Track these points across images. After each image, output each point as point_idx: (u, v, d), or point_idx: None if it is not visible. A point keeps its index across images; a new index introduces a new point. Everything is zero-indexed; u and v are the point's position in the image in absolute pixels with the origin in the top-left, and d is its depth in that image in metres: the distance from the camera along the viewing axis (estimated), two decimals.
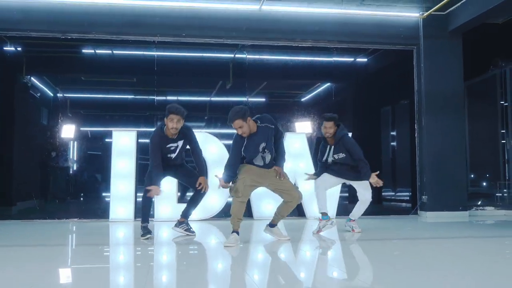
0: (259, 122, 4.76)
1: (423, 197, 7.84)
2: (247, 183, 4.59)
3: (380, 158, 8.66)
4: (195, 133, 5.38)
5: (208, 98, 8.51)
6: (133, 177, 7.10)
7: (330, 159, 5.57)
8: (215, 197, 7.11)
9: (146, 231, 5.21)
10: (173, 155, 5.21)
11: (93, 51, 7.99)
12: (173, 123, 4.96)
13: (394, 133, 9.05)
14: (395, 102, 8.82)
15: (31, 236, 5.61)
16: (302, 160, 7.40)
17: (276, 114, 8.12)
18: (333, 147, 5.53)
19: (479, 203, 8.72)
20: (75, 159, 7.88)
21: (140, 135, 7.40)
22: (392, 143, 9.15)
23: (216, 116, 8.33)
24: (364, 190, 5.57)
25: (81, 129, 7.87)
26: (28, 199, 7.58)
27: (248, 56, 8.02)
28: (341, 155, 5.49)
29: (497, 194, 8.93)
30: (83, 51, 7.94)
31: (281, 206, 4.98)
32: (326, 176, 5.65)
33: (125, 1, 7.21)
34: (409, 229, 6.47)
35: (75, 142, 7.87)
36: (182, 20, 7.42)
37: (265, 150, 4.71)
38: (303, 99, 8.69)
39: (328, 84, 8.52)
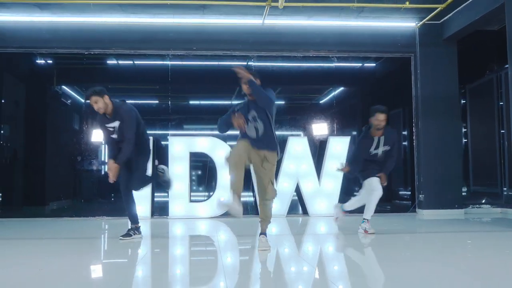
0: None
1: (420, 195, 8.33)
2: (234, 159, 4.41)
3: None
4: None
5: (217, 102, 9.17)
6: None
7: (380, 151, 5.54)
8: (224, 196, 7.76)
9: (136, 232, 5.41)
10: (115, 136, 5.14)
11: (116, 62, 8.73)
12: (95, 106, 5.03)
13: (405, 133, 9.45)
14: (406, 104, 9.15)
15: (61, 231, 6.37)
16: (304, 162, 7.98)
17: (287, 116, 8.78)
18: (382, 138, 5.52)
19: (483, 201, 9.10)
20: (101, 161, 8.64)
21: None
22: (403, 143, 9.57)
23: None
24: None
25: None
26: (59, 199, 8.42)
27: (255, 64, 8.60)
28: (387, 148, 5.54)
29: (496, 192, 9.29)
30: (108, 62, 8.68)
31: (260, 209, 4.91)
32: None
33: (140, 19, 7.96)
34: (401, 225, 6.96)
35: (104, 146, 8.63)
36: (192, 35, 8.14)
37: (257, 120, 4.58)
38: (314, 103, 9.20)
39: (342, 88, 9.03)
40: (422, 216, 8.08)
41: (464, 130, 10.32)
